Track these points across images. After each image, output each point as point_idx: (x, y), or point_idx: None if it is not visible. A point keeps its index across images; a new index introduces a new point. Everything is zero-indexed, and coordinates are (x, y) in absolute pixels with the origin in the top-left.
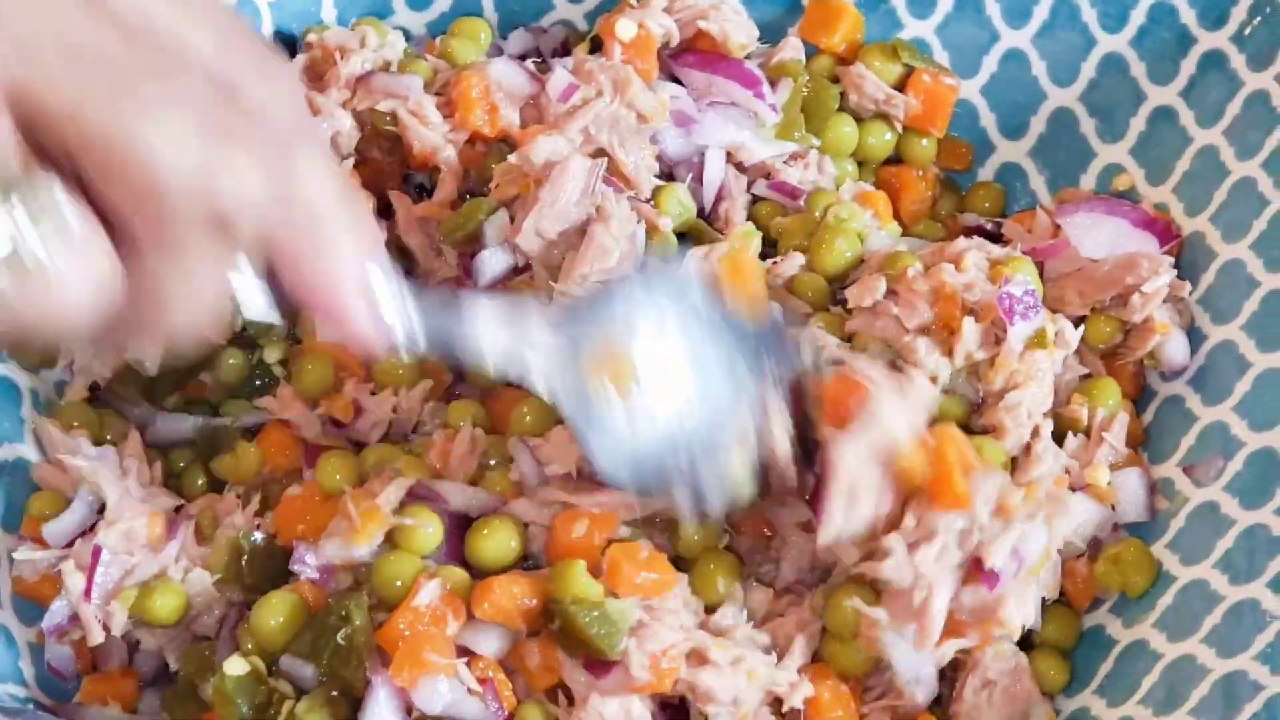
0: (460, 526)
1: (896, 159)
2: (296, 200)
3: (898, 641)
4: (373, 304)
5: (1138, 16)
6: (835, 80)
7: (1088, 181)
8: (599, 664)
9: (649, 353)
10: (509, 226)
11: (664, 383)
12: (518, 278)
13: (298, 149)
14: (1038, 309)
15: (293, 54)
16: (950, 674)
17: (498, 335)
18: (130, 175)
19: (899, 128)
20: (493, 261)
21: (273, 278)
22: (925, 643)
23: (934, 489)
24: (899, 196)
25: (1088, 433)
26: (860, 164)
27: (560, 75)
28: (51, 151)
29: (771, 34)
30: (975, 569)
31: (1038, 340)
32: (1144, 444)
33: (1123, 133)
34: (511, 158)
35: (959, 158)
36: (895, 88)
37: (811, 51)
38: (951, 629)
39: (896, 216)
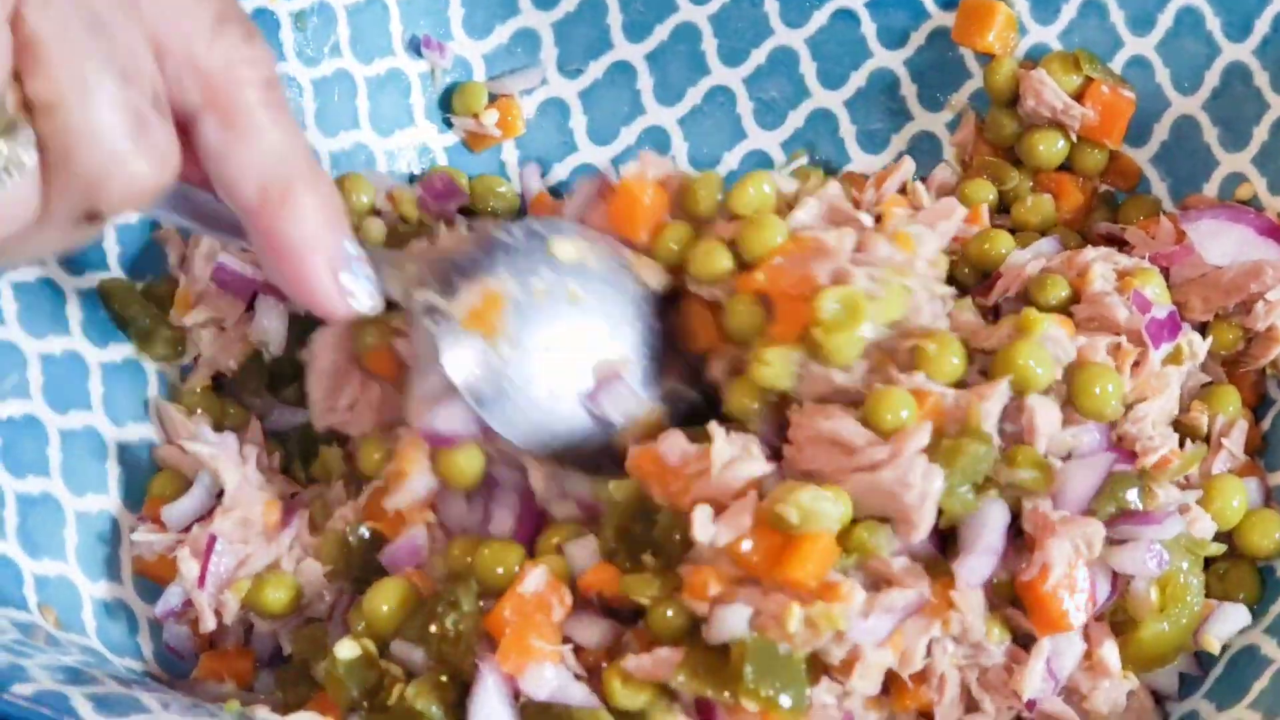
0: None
1: (1065, 167)
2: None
3: None
4: (338, 274)
5: (1262, 26)
6: (1015, 86)
7: (1210, 190)
8: (708, 704)
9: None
10: None
11: (547, 329)
12: None
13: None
14: (1179, 328)
15: None
16: None
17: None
18: None
19: (1073, 137)
20: None
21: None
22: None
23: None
24: (1054, 202)
25: (1207, 440)
26: (1035, 171)
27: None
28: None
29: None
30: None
31: (1173, 357)
32: (1261, 451)
33: (1245, 142)
34: None
35: (1126, 177)
36: (1074, 98)
37: (984, 60)
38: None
39: None
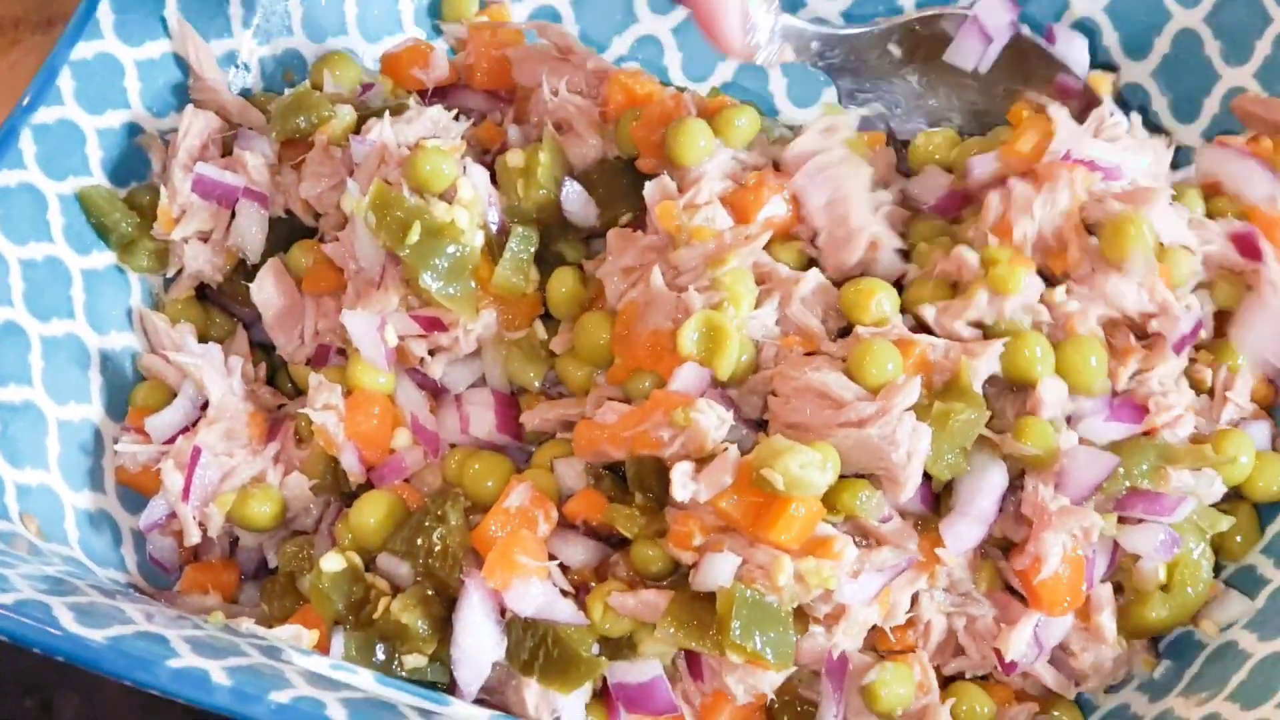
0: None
1: None
2: None
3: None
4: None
5: None
6: None
7: (1211, 105)
8: (698, 657)
9: None
10: None
11: None
12: None
13: None
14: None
15: None
16: None
17: None
18: None
19: None
20: None
21: None
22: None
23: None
24: None
25: (1211, 393)
26: None
27: None
28: None
29: None
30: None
31: None
32: (1272, 404)
33: (1247, 56)
34: None
35: None
36: None
37: None
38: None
39: None
